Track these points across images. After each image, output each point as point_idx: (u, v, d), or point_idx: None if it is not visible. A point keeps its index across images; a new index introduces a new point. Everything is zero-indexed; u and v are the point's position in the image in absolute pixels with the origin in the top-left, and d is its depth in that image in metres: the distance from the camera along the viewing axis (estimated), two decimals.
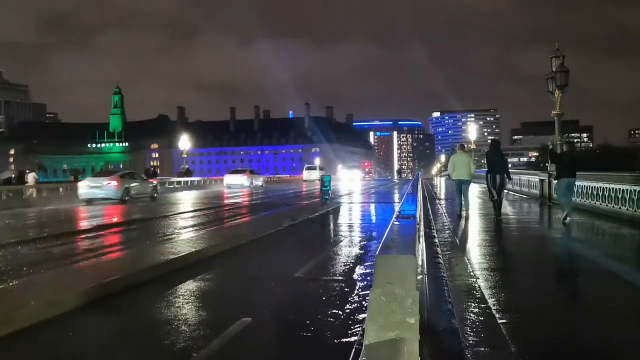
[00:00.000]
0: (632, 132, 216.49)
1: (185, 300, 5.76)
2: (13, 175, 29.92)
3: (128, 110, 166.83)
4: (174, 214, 15.85)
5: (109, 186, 21.23)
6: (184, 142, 46.61)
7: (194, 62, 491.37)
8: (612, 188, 11.90)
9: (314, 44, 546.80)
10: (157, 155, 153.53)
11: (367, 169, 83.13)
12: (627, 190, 11.20)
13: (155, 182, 26.98)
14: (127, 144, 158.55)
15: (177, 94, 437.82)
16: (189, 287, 6.37)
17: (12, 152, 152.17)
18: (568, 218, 10.59)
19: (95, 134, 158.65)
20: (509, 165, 11.66)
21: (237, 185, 37.13)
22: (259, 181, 40.07)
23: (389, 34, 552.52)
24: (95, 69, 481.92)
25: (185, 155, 47.46)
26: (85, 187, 21.58)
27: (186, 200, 23.51)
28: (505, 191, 14.15)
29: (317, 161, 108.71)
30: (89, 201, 21.22)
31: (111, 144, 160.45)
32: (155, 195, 24.63)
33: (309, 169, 54.76)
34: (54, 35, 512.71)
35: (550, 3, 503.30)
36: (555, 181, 12.61)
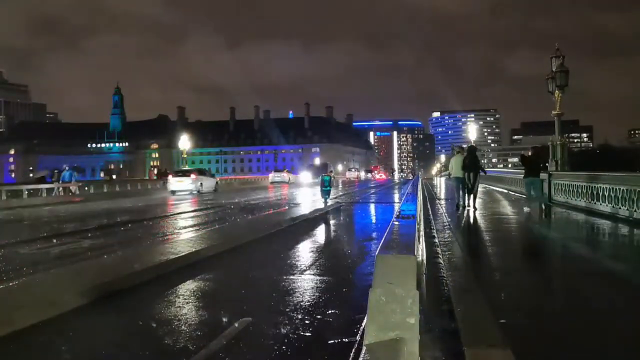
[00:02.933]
0: (632, 132, 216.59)
1: (185, 300, 5.76)
2: (47, 174, 31.12)
3: (125, 110, 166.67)
4: None
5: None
6: (184, 142, 46.64)
7: (186, 63, 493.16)
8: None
9: (304, 46, 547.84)
10: (157, 155, 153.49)
11: (376, 171, 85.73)
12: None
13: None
14: (127, 144, 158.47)
15: (172, 95, 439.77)
16: (189, 287, 6.38)
17: (12, 152, 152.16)
18: (527, 208, 13.57)
19: (95, 134, 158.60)
20: (484, 166, 15.49)
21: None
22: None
23: (378, 37, 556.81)
24: (88, 71, 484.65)
25: (185, 155, 47.48)
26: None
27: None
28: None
29: (317, 161, 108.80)
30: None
31: (111, 144, 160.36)
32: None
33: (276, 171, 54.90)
34: (45, 39, 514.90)
35: (529, 9, 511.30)
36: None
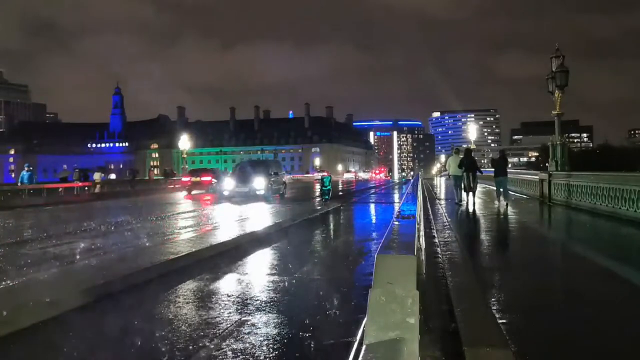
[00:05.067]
0: (632, 132, 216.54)
1: (185, 300, 5.76)
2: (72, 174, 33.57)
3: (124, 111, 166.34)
4: None
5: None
6: (184, 142, 46.63)
7: (181, 65, 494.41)
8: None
9: (295, 47, 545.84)
10: (157, 155, 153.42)
11: (382, 174, 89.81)
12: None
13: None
14: (127, 144, 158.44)
15: (168, 96, 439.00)
16: (189, 287, 6.38)
17: (12, 152, 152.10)
18: (503, 202, 15.37)
19: (95, 134, 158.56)
20: (478, 166, 17.00)
21: None
22: None
23: (369, 40, 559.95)
24: (84, 72, 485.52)
25: (185, 155, 47.46)
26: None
27: None
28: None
29: (317, 161, 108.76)
30: None
31: (111, 144, 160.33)
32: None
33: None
34: (41, 41, 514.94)
35: (511, 12, 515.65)
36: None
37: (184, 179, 34.17)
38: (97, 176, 32.20)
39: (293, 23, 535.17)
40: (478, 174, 16.60)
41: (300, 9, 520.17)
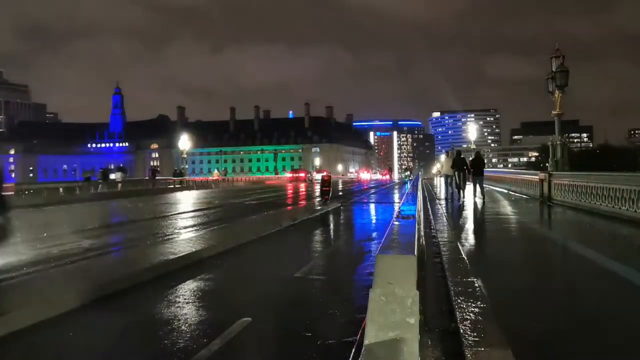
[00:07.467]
0: (632, 132, 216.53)
1: (185, 300, 5.75)
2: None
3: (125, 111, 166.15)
4: None
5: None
6: (184, 142, 46.62)
7: (175, 67, 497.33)
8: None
9: (288, 49, 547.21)
10: (157, 155, 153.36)
11: (387, 175, 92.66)
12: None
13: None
14: (127, 143, 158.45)
15: (163, 97, 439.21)
16: (189, 287, 6.37)
17: (12, 152, 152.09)
18: (479, 199, 17.27)
19: (95, 134, 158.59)
20: (468, 166, 18.66)
21: None
22: None
23: (358, 42, 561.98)
24: (80, 73, 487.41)
25: (185, 156, 47.45)
26: None
27: None
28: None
29: (317, 161, 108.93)
30: None
31: (111, 144, 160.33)
32: None
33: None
34: (36, 44, 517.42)
35: (494, 16, 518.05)
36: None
37: (287, 175, 62.91)
38: (118, 175, 35.91)
39: (283, 26, 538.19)
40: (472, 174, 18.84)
41: (289, 12, 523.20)
